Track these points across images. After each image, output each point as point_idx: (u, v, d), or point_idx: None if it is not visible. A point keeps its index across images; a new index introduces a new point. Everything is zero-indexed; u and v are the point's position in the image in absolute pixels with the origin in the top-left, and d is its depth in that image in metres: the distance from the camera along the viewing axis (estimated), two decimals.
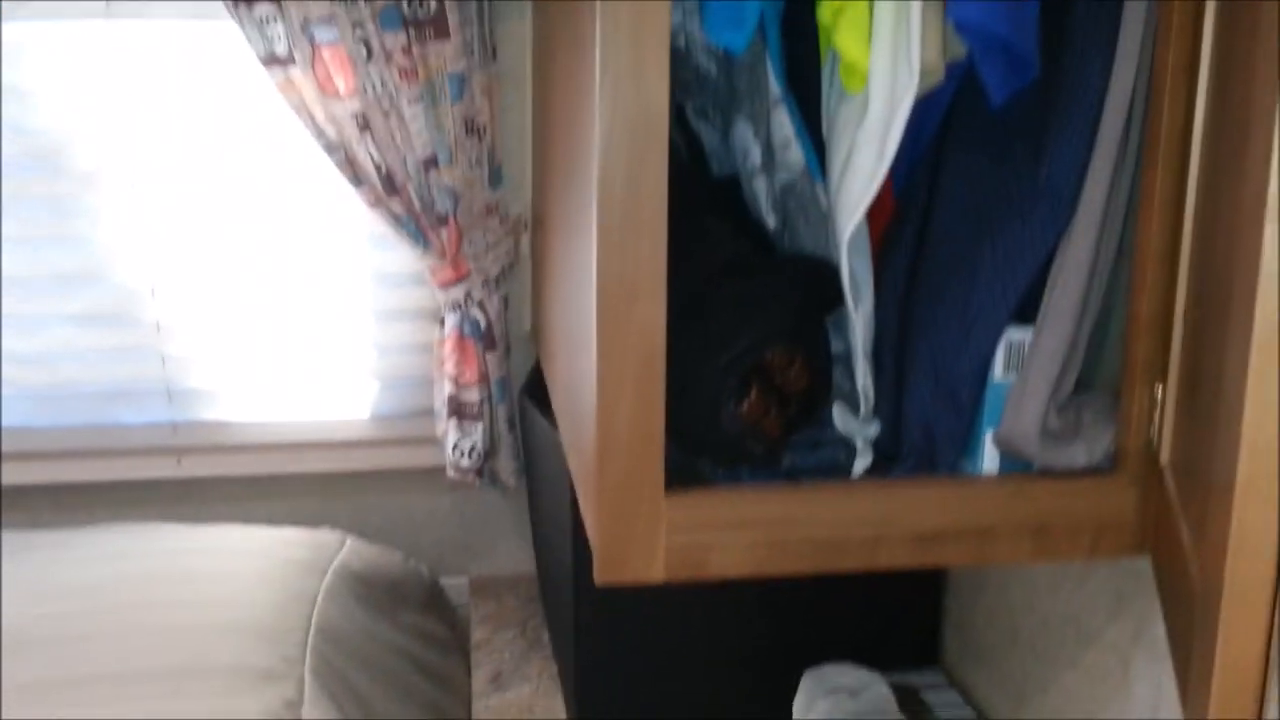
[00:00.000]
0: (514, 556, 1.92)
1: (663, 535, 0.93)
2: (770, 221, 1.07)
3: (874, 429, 1.04)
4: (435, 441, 1.76)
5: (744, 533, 0.94)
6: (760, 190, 1.05)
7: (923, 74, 0.91)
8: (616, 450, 0.90)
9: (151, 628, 1.35)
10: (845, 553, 0.96)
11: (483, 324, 1.65)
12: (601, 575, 0.93)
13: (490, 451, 1.72)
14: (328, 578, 1.54)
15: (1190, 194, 0.85)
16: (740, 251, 1.00)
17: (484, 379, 1.67)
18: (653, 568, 0.94)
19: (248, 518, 1.78)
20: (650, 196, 0.86)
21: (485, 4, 1.53)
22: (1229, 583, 0.61)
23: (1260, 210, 0.65)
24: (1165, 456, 0.89)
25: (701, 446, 0.97)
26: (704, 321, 0.94)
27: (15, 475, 1.72)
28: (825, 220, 1.05)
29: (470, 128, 1.54)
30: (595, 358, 0.89)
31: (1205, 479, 0.73)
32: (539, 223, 1.60)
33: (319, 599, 1.48)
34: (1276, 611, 0.64)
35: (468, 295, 1.63)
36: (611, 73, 0.83)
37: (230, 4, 1.44)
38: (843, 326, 1.07)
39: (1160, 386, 0.91)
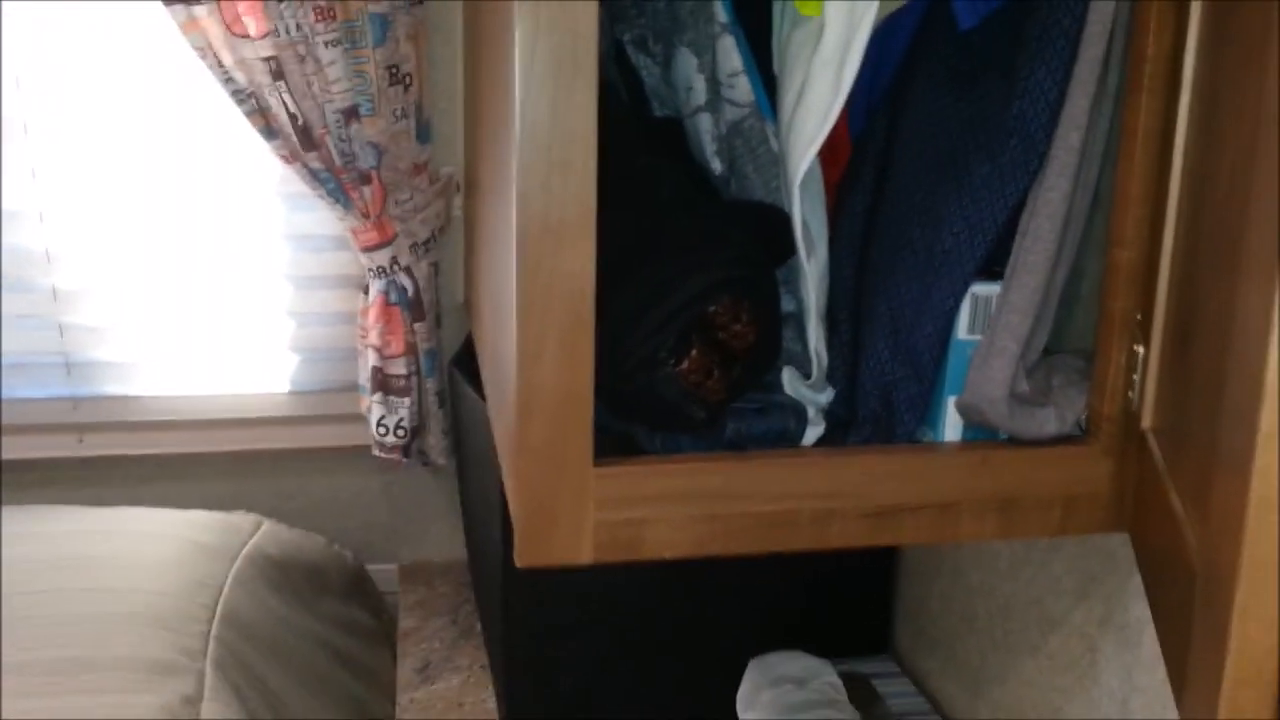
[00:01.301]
0: (447, 540, 1.81)
1: (591, 511, 0.83)
2: (715, 166, 0.97)
3: (827, 394, 0.95)
4: (360, 418, 1.65)
5: (682, 508, 0.85)
6: (704, 130, 0.95)
7: None
8: (538, 414, 0.80)
9: (42, 618, 1.24)
10: (795, 530, 0.87)
11: (410, 291, 1.54)
12: (523, 557, 0.83)
13: (419, 428, 1.61)
14: (238, 563, 1.42)
15: (1180, 128, 0.76)
16: (681, 191, 0.89)
17: (411, 350, 1.56)
18: (580, 548, 0.84)
19: (156, 501, 1.65)
20: (577, 128, 0.76)
21: None
22: (1246, 562, 0.52)
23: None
24: (1148, 421, 0.81)
25: (636, 411, 0.87)
26: (639, 270, 0.84)
27: None
28: (776, 164, 0.95)
29: (394, 76, 1.42)
30: (515, 309, 0.79)
31: (1204, 444, 0.65)
32: (471, 186, 1.49)
33: (226, 586, 1.36)
34: None
35: (393, 260, 1.52)
36: None
37: None
38: (793, 282, 0.98)
39: (1141, 346, 0.82)
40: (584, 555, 0.84)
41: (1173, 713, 0.91)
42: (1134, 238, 0.84)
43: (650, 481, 0.84)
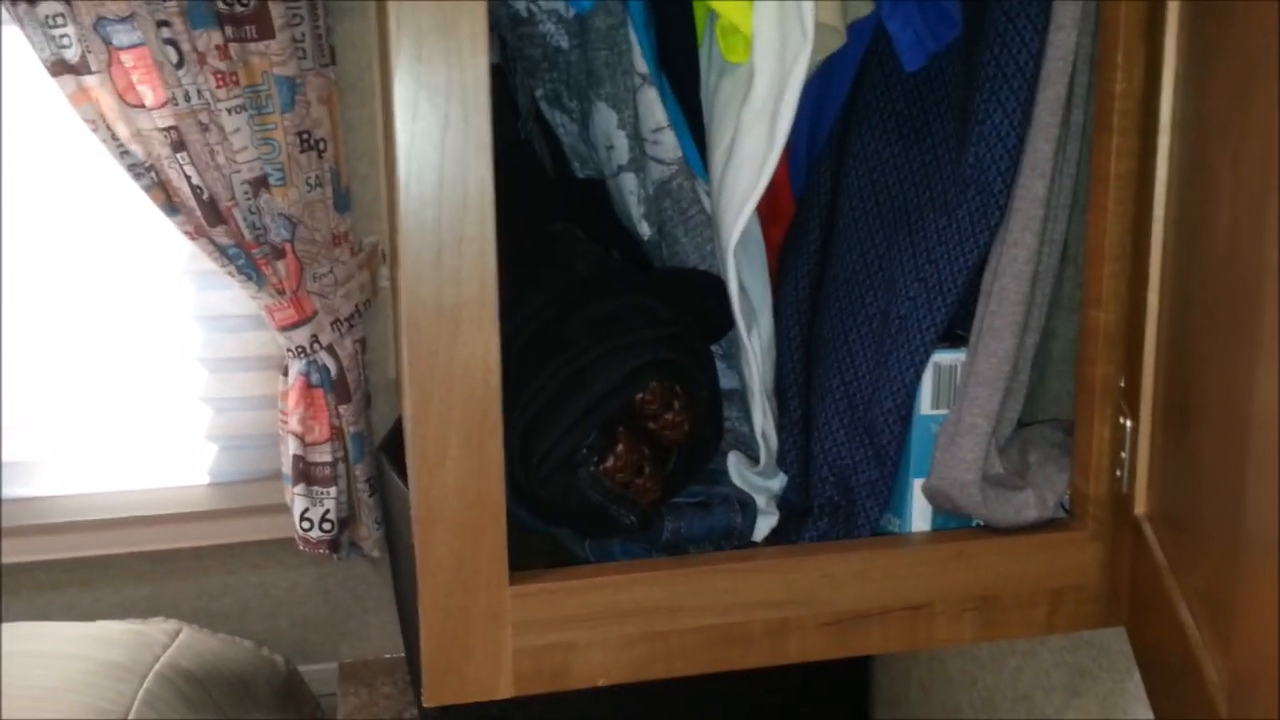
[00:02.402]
0: (390, 636, 1.69)
1: (509, 637, 0.72)
2: (644, 230, 0.87)
3: (779, 481, 0.84)
4: (288, 508, 1.52)
5: (615, 627, 0.73)
6: (628, 191, 0.85)
7: (820, 34, 0.73)
8: (442, 527, 0.69)
9: None
10: (747, 646, 0.76)
11: (333, 371, 1.42)
12: (431, 695, 0.72)
13: (348, 519, 1.48)
14: (148, 681, 1.29)
15: (1160, 172, 0.67)
16: (601, 263, 0.79)
17: (337, 435, 1.44)
18: (497, 681, 0.72)
19: (66, 609, 1.52)
20: (471, 197, 0.66)
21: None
22: None
23: None
24: (1141, 507, 0.71)
25: (558, 516, 0.76)
26: (554, 355, 0.73)
27: None
28: (709, 226, 0.85)
29: (306, 142, 1.32)
30: (409, 407, 0.68)
31: (1221, 548, 0.55)
32: (397, 256, 1.39)
33: (133, 710, 1.23)
34: None
35: (314, 339, 1.41)
36: (409, 31, 0.63)
37: (8, 3, 1.21)
38: (735, 356, 0.87)
39: (1128, 419, 0.72)
40: (502, 689, 0.73)
41: None
42: (1112, 296, 0.74)
43: (576, 598, 0.73)
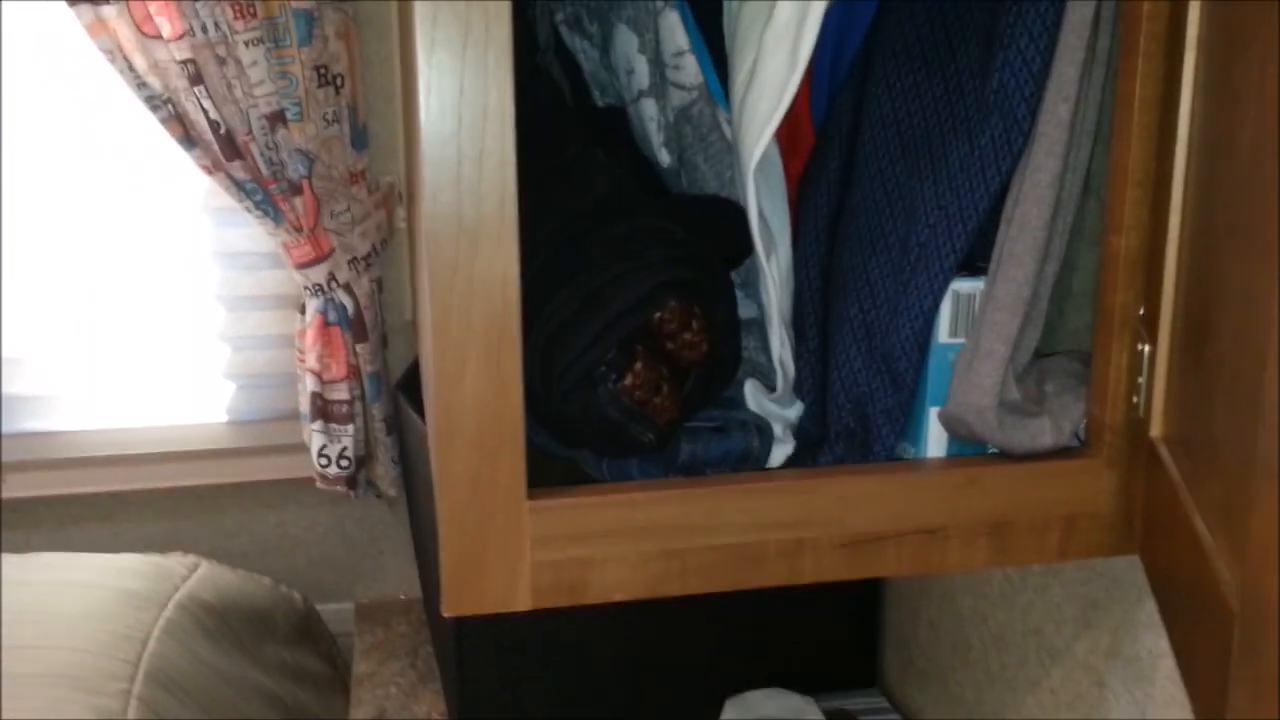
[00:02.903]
0: (406, 577, 1.70)
1: (527, 551, 0.72)
2: (663, 157, 0.87)
3: (795, 409, 0.85)
4: (306, 447, 1.53)
5: (632, 544, 0.74)
6: (648, 117, 0.85)
7: None
8: (461, 441, 0.70)
9: None
10: (762, 565, 0.76)
11: (350, 310, 1.43)
12: (451, 605, 0.73)
13: (365, 458, 1.49)
14: (168, 611, 1.31)
15: (1185, 94, 0.67)
16: (620, 185, 0.79)
17: (354, 374, 1.45)
18: (516, 593, 0.73)
19: (86, 544, 1.54)
20: (491, 109, 0.66)
21: None
22: None
23: None
24: (1157, 429, 0.71)
25: (577, 434, 0.77)
26: (571, 276, 0.73)
27: None
28: (729, 153, 0.85)
29: (324, 77, 1.32)
30: (430, 322, 0.68)
31: (1236, 457, 0.55)
32: (414, 195, 1.39)
33: (153, 638, 1.25)
34: None
35: (331, 277, 1.41)
36: None
37: None
38: (753, 285, 0.88)
39: (1146, 344, 0.72)
40: (520, 601, 0.73)
41: None
42: (1134, 222, 0.74)
43: (594, 514, 0.73)
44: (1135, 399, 0.74)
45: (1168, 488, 0.66)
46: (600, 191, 0.77)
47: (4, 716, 1.07)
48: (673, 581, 0.76)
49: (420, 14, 0.64)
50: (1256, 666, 0.47)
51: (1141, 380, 0.73)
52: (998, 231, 0.78)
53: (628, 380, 0.73)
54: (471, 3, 0.64)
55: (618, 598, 0.75)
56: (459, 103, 0.65)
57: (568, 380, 0.73)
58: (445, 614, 0.73)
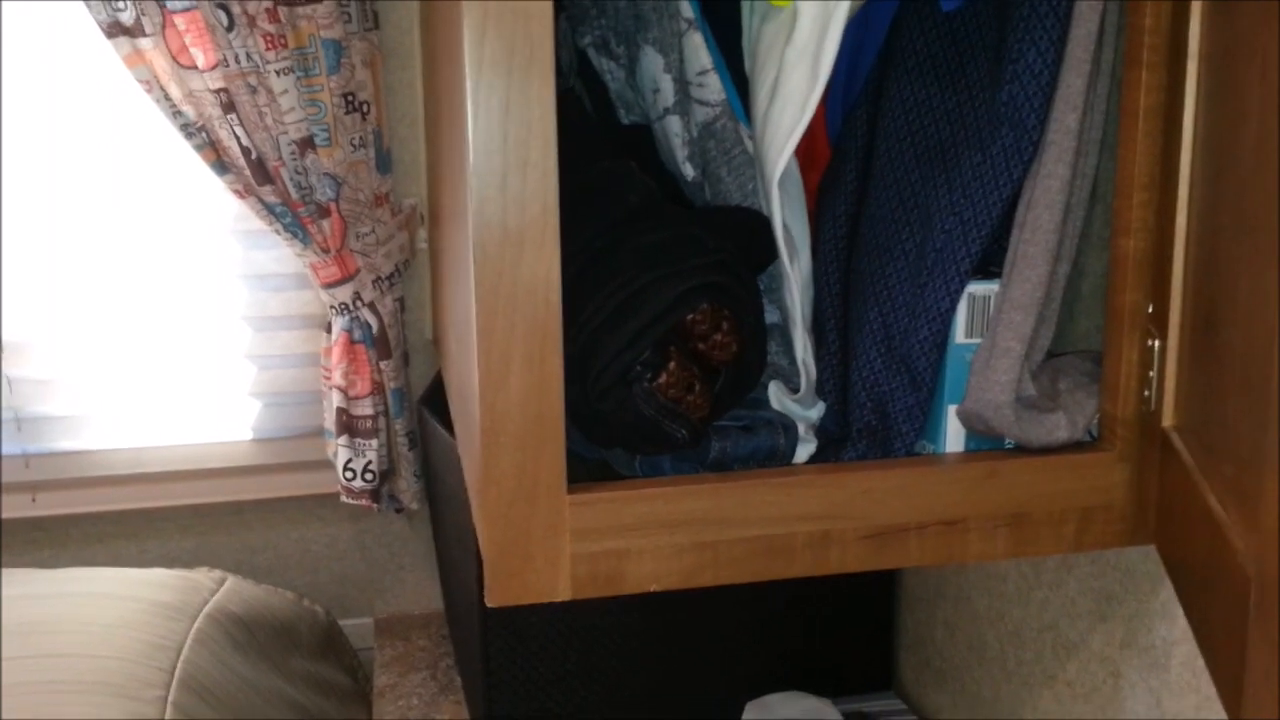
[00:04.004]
0: (425, 591, 1.73)
1: (567, 544, 0.76)
2: (688, 171, 0.91)
3: (818, 409, 0.88)
4: (328, 464, 1.57)
5: (666, 537, 0.78)
6: (674, 133, 0.89)
7: None
8: (505, 440, 0.73)
9: None
10: (790, 556, 0.80)
11: (375, 328, 1.47)
12: (494, 595, 0.76)
13: (388, 472, 1.53)
14: (199, 622, 1.34)
15: (1188, 102, 0.71)
16: (650, 197, 0.83)
17: (378, 390, 1.48)
18: (556, 584, 0.77)
19: (113, 560, 1.57)
20: (534, 122, 0.70)
21: None
22: None
23: None
24: (1169, 419, 0.74)
25: (612, 433, 0.80)
26: (610, 279, 0.77)
27: None
28: (751, 166, 0.89)
29: (351, 104, 1.36)
30: (475, 326, 0.72)
31: (1246, 439, 0.58)
32: (435, 216, 1.43)
33: (186, 647, 1.28)
34: None
35: (356, 296, 1.45)
36: None
37: None
38: (776, 291, 0.91)
39: (1155, 340, 0.76)
40: (561, 591, 0.77)
41: None
42: (1141, 225, 0.78)
43: (630, 508, 0.77)
44: (1147, 393, 0.78)
45: (1182, 473, 0.70)
46: (634, 202, 0.81)
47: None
48: (705, 572, 0.79)
49: (469, 38, 0.68)
50: (1273, 622, 0.50)
51: (1152, 374, 0.77)
52: (1010, 236, 0.82)
53: (662, 379, 0.77)
54: (516, 27, 0.68)
55: (653, 588, 0.78)
56: (505, 119, 0.69)
57: (605, 379, 0.76)
58: (489, 603, 0.76)
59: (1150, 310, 0.78)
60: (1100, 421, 0.83)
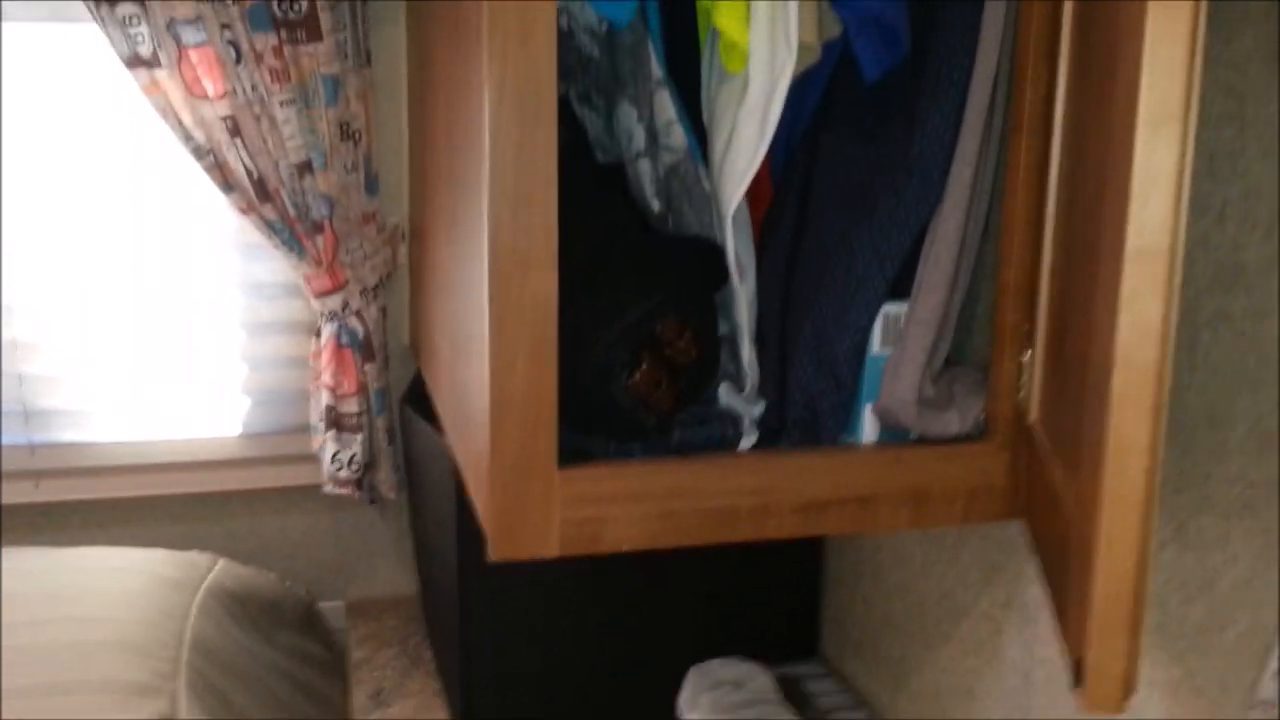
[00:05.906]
0: (393, 578, 1.88)
1: (557, 510, 0.93)
2: (655, 205, 1.09)
3: (759, 406, 1.06)
4: (309, 458, 1.72)
5: (636, 506, 0.95)
6: (644, 173, 1.07)
7: (800, 51, 0.95)
8: (510, 424, 0.90)
9: (17, 647, 1.28)
10: (735, 523, 0.98)
11: (361, 334, 1.62)
12: (496, 552, 0.93)
13: (369, 464, 1.68)
14: (200, 595, 1.48)
15: (1054, 164, 0.90)
16: (626, 223, 1.01)
17: (363, 390, 1.64)
18: (548, 542, 0.94)
19: (111, 543, 1.70)
20: (540, 166, 0.87)
21: (358, 6, 1.52)
22: (1107, 497, 0.64)
23: (1126, 175, 0.68)
24: (1033, 415, 0.94)
25: (594, 421, 0.98)
26: (596, 292, 0.94)
27: None
28: (708, 202, 1.07)
29: (345, 132, 1.52)
30: (487, 331, 0.89)
31: (1075, 417, 0.77)
32: (416, 235, 1.59)
33: (192, 615, 1.42)
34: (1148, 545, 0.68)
35: (345, 304, 1.61)
36: (500, 35, 0.84)
37: (91, 4, 1.40)
38: (727, 308, 1.09)
39: (1029, 352, 0.96)
40: (551, 549, 0.94)
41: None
42: (1019, 259, 0.97)
43: (609, 482, 0.94)
44: (1020, 395, 0.98)
45: (1037, 460, 0.89)
46: (615, 227, 0.99)
47: (77, 676, 1.23)
48: (667, 536, 0.97)
49: (490, 96, 0.85)
50: (1084, 550, 0.69)
51: (1024, 380, 0.97)
52: (917, 266, 1.02)
53: (636, 377, 0.94)
54: (528, 88, 0.85)
55: (624, 548, 0.96)
56: (518, 160, 0.86)
57: (590, 375, 0.94)
58: (492, 558, 0.93)
59: (1027, 329, 0.97)
60: (985, 418, 1.02)
